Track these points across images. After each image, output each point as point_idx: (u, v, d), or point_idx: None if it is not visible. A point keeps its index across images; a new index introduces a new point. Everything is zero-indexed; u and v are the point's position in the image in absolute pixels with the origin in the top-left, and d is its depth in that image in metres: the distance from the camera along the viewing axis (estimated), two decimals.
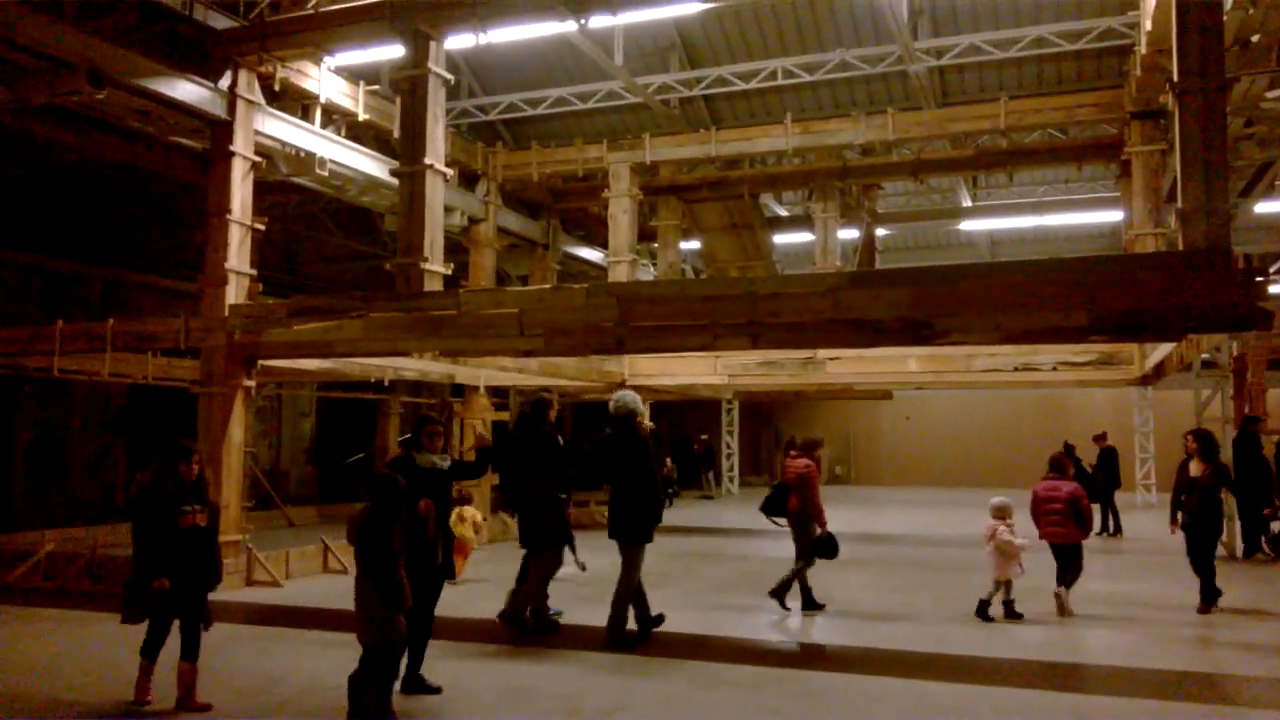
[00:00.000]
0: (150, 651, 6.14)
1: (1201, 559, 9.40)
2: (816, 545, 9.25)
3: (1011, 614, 8.96)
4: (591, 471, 8.94)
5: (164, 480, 6.16)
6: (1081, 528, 9.19)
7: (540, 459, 8.50)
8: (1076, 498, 9.14)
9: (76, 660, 7.45)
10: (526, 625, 8.36)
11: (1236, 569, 12.46)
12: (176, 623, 6.17)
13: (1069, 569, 9.26)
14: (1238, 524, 13.34)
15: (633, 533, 8.06)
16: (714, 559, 13.43)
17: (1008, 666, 7.33)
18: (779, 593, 9.33)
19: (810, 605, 9.35)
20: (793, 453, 9.66)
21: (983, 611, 8.97)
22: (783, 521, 9.49)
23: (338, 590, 10.62)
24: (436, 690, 6.38)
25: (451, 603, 7.94)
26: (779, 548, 11.49)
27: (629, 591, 8.05)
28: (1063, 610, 9.12)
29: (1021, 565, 9.11)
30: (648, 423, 8.97)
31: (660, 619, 8.30)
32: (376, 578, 5.68)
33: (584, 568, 8.93)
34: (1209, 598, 9.33)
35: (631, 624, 8.10)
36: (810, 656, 7.87)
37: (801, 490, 9.28)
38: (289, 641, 8.16)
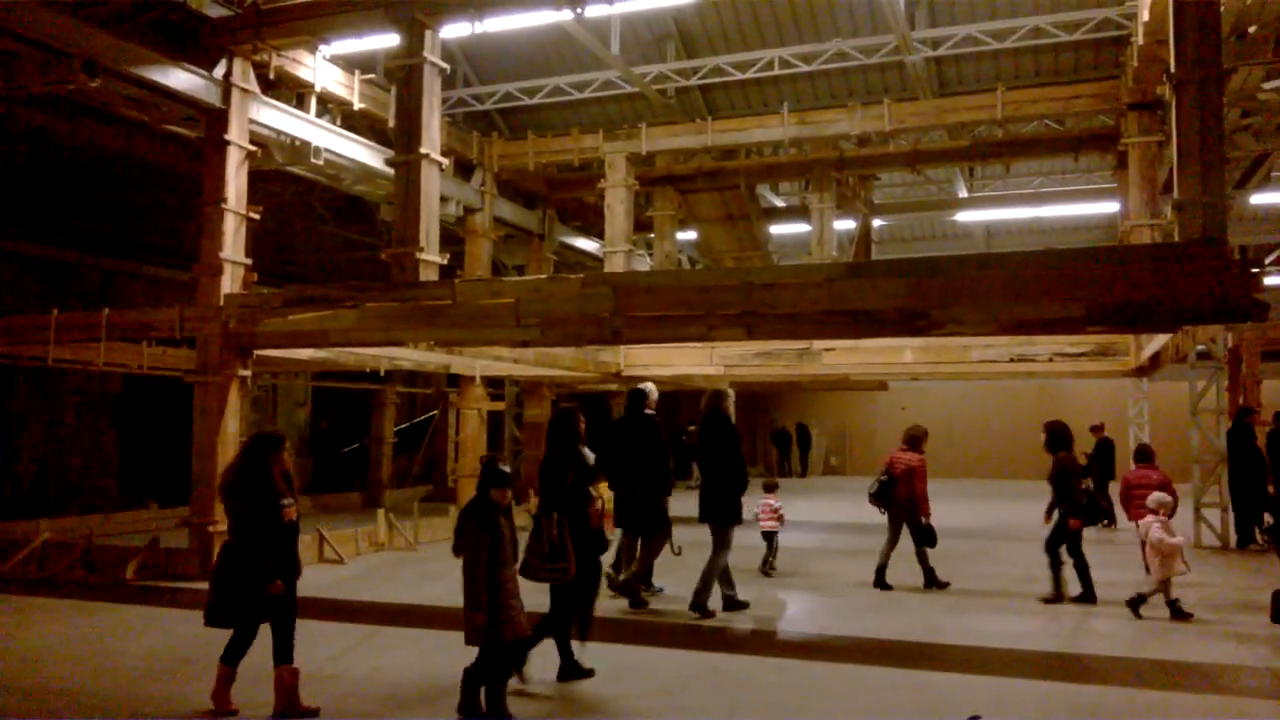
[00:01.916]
0: (235, 658, 5.75)
1: (1052, 549, 9.52)
2: (919, 533, 10.03)
3: (1178, 614, 8.55)
4: (683, 459, 9.23)
5: (268, 473, 5.80)
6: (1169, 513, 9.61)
7: (643, 445, 8.96)
8: (1165, 484, 9.62)
9: (69, 650, 7.44)
10: (644, 601, 9.05)
11: (1231, 559, 12.51)
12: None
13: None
14: (1231, 515, 13.39)
15: (725, 514, 8.76)
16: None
17: (1005, 656, 7.35)
18: (879, 579, 10.09)
19: (932, 583, 10.06)
20: (902, 446, 10.35)
21: (1136, 606, 8.70)
22: (886, 510, 10.24)
23: (333, 580, 10.66)
24: (590, 673, 6.48)
25: None
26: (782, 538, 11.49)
27: (717, 568, 8.75)
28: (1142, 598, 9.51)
29: (1186, 563, 8.69)
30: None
31: (745, 604, 8.95)
32: (465, 578, 5.57)
33: (679, 551, 9.13)
34: (1087, 592, 9.41)
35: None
36: (807, 647, 7.88)
37: (910, 482, 10.04)
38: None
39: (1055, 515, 9.57)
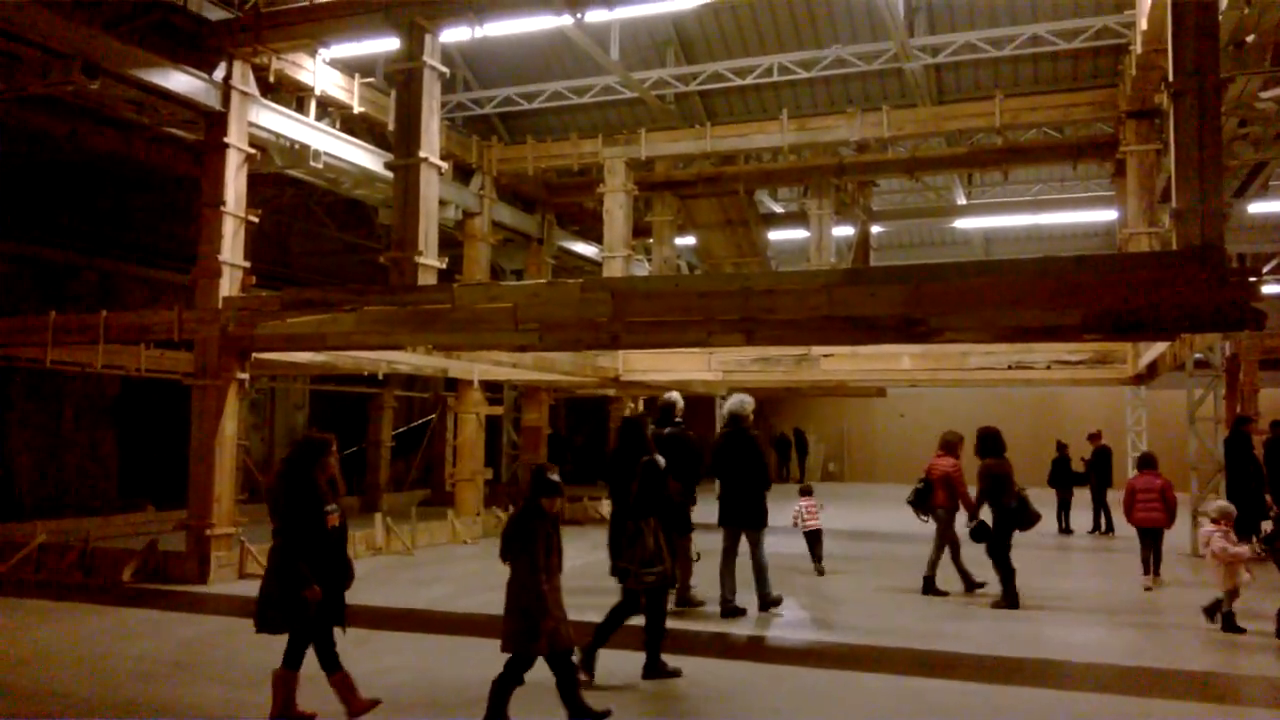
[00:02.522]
0: (296, 662, 5.63)
1: (994, 553, 9.70)
2: (971, 533, 9.95)
3: (1231, 627, 8.40)
4: (713, 468, 9.38)
5: (312, 479, 5.69)
6: (1170, 515, 10.86)
7: (675, 456, 8.82)
8: (1166, 489, 10.80)
9: (66, 653, 7.42)
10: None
11: None
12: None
13: (1154, 550, 10.95)
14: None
15: (754, 519, 9.07)
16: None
17: (1001, 664, 7.34)
18: (928, 587, 10.18)
19: (971, 587, 10.17)
20: (939, 452, 10.47)
21: (1211, 613, 8.61)
22: (926, 516, 10.36)
23: None
24: (676, 673, 6.65)
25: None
26: (784, 543, 11.45)
27: (765, 564, 9.10)
28: (1148, 589, 10.72)
29: (1250, 571, 8.54)
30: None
31: (779, 599, 9.25)
32: (513, 586, 5.50)
33: (698, 557, 9.22)
34: (1008, 595, 9.59)
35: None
36: (803, 654, 7.87)
37: (948, 487, 10.17)
38: (282, 635, 8.12)
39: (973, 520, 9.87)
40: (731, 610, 8.95)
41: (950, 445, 10.49)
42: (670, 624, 7.96)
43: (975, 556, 10.19)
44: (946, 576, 10.20)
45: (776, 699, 6.32)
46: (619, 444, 7.44)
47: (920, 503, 10.35)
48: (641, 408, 21.63)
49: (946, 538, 10.28)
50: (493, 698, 5.41)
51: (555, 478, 5.68)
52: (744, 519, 9.09)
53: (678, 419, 9.33)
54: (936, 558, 10.30)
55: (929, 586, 10.19)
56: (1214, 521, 8.71)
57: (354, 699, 5.66)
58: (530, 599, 5.38)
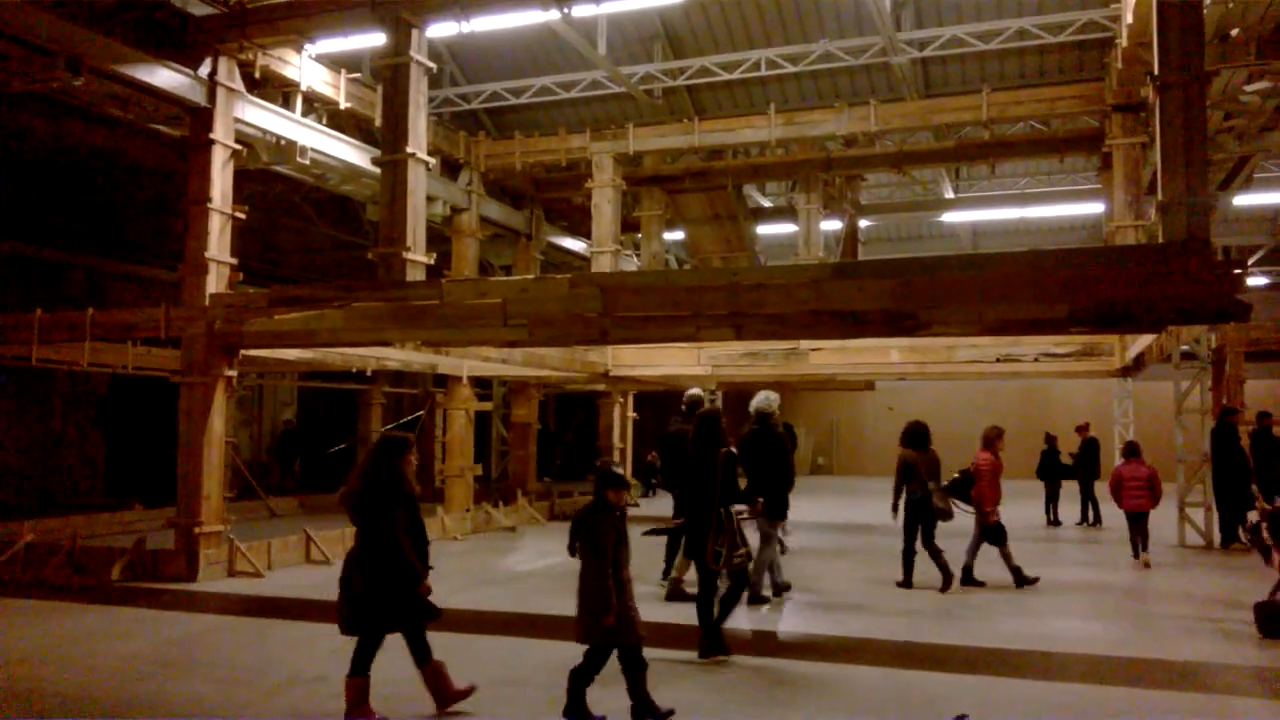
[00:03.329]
0: (366, 666, 5.63)
1: (928, 543, 10.15)
2: (984, 531, 10.33)
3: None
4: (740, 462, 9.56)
5: (404, 476, 5.76)
6: (1155, 499, 11.82)
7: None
8: (1153, 475, 11.80)
9: (55, 652, 7.39)
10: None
11: (1215, 559, 12.60)
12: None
13: (1142, 533, 11.83)
14: (1215, 514, 13.48)
15: (776, 512, 9.33)
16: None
17: (989, 656, 7.38)
18: (966, 576, 10.23)
19: (1022, 582, 10.20)
20: (981, 446, 10.64)
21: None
22: (968, 507, 10.46)
23: (320, 581, 10.60)
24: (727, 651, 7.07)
25: None
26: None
27: (767, 560, 9.37)
28: (1148, 565, 11.55)
29: None
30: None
31: (788, 586, 9.71)
32: (585, 580, 5.58)
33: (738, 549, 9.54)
34: (946, 580, 10.01)
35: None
36: (790, 646, 7.90)
37: (978, 481, 10.34)
38: (271, 632, 8.14)
39: (902, 509, 10.21)
40: (759, 598, 9.24)
41: (987, 440, 10.65)
42: (668, 617, 8.02)
43: (965, 555, 10.22)
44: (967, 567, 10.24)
45: (772, 690, 6.33)
46: (697, 437, 7.59)
47: (957, 493, 10.46)
48: (633, 401, 21.68)
49: (981, 533, 10.40)
50: (571, 689, 5.51)
51: (620, 471, 5.82)
52: (766, 510, 9.19)
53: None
54: (975, 547, 10.39)
55: (967, 576, 10.22)
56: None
57: (448, 688, 5.72)
58: (596, 592, 5.46)
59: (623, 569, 5.59)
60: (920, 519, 10.11)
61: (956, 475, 10.56)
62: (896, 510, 10.19)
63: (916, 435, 10.38)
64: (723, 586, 7.32)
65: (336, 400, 21.99)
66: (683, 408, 10.27)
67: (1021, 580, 10.20)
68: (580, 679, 5.48)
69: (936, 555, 10.01)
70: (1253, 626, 8.13)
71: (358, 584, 5.65)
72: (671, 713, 5.57)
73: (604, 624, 5.41)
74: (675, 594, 9.35)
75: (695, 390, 10.36)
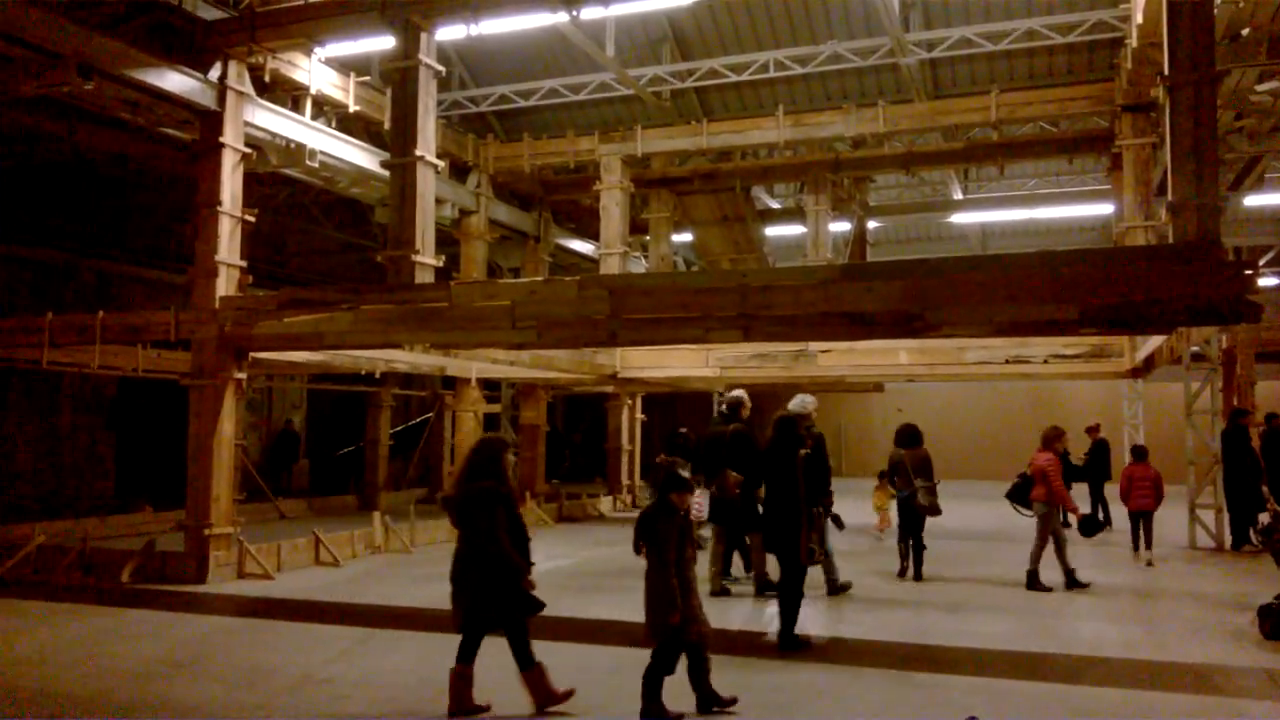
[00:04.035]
0: (471, 655, 5.81)
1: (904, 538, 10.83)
2: (1081, 523, 10.63)
3: None
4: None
5: (503, 477, 5.93)
6: (1158, 500, 12.29)
7: (739, 451, 9.51)
8: (1157, 477, 12.40)
9: (65, 653, 7.42)
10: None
11: (1226, 561, 12.54)
12: None
13: (1147, 530, 12.32)
14: (1226, 516, 13.41)
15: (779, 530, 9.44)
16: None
17: (999, 657, 7.36)
18: (1032, 581, 10.17)
19: (1073, 584, 10.13)
20: (1040, 447, 10.61)
21: None
22: (1028, 510, 10.47)
23: (329, 582, 10.66)
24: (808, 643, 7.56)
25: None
26: None
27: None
28: (1150, 564, 11.84)
29: None
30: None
31: (848, 586, 9.82)
32: (652, 580, 5.72)
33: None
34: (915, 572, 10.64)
35: None
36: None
37: (1044, 482, 10.23)
38: (281, 634, 8.15)
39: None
40: (838, 587, 9.69)
41: (1048, 440, 10.62)
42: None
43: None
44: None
45: (777, 694, 6.32)
46: (775, 439, 7.85)
47: (1018, 497, 10.52)
48: (639, 402, 21.68)
49: (1047, 532, 10.29)
50: (645, 688, 5.60)
51: (685, 474, 5.91)
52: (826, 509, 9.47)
53: (744, 416, 9.91)
54: (1038, 552, 10.29)
55: (1033, 581, 10.13)
56: None
57: (549, 690, 5.79)
58: (661, 593, 5.60)
59: (687, 569, 5.73)
60: (904, 514, 10.61)
61: (1016, 479, 10.62)
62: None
63: (906, 435, 10.85)
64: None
65: (345, 403, 22.01)
66: (723, 409, 10.42)
67: (1073, 583, 10.13)
68: (653, 679, 5.59)
69: (918, 550, 10.56)
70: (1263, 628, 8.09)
71: (468, 581, 5.82)
72: (734, 700, 5.77)
73: (670, 623, 5.53)
74: (721, 591, 9.72)
75: (737, 392, 10.41)
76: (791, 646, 7.45)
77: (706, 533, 10.50)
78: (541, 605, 5.89)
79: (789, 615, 7.51)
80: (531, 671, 5.79)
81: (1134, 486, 12.42)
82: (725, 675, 6.05)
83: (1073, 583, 10.16)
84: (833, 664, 7.19)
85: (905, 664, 7.16)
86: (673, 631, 5.57)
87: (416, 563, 12.22)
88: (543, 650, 6.87)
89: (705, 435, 10.62)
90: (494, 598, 5.73)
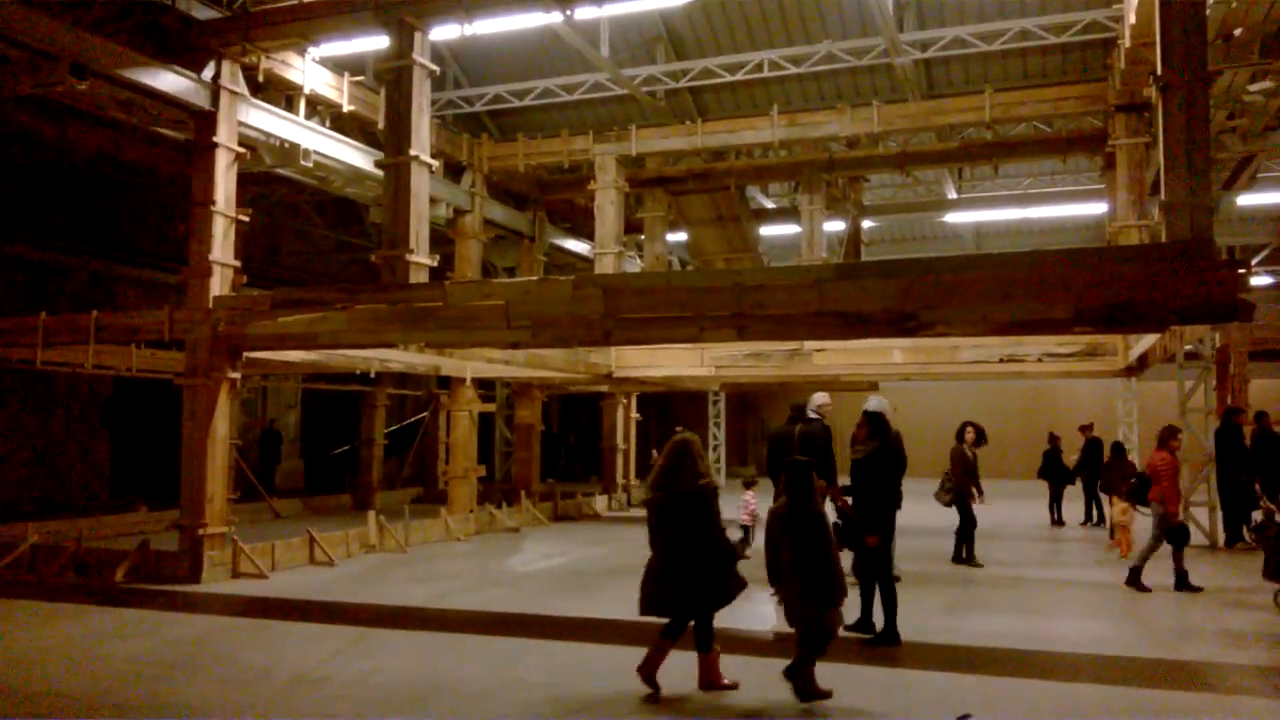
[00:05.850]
0: (710, 642, 6.21)
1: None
2: (1168, 532, 10.10)
3: None
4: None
5: (705, 471, 6.31)
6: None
7: (809, 453, 9.15)
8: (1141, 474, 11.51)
9: (59, 653, 7.41)
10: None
11: (1220, 558, 12.57)
12: None
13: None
14: (1220, 514, 13.46)
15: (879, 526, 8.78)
16: None
17: (993, 655, 7.37)
18: (1134, 579, 10.09)
19: (1183, 586, 9.99)
20: (1156, 446, 10.57)
21: None
22: (1146, 510, 10.43)
23: (324, 582, 10.65)
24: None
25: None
26: None
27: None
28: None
29: None
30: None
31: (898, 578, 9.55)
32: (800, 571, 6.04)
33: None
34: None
35: None
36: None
37: (1157, 481, 10.15)
38: (275, 633, 8.14)
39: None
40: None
41: (1163, 439, 10.52)
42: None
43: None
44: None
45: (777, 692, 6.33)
46: (883, 441, 8.18)
47: (1136, 496, 10.57)
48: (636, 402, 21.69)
49: (1162, 531, 10.14)
50: (798, 677, 5.94)
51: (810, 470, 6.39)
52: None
53: (811, 415, 9.73)
54: (1149, 552, 10.18)
55: (1134, 579, 10.05)
56: None
57: (717, 675, 6.18)
58: (836, 582, 6.06)
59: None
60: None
61: (1133, 480, 10.64)
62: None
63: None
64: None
65: (340, 402, 22.00)
66: (792, 411, 10.24)
67: (1183, 585, 9.98)
68: (804, 663, 5.94)
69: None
70: (1260, 624, 8.12)
71: (680, 573, 6.10)
72: (829, 694, 5.98)
73: (837, 613, 6.09)
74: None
75: (822, 397, 10.07)
76: (886, 641, 7.66)
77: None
78: (745, 584, 6.25)
79: (890, 613, 7.73)
80: (709, 654, 6.18)
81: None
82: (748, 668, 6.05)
83: (1181, 584, 10.00)
84: (828, 661, 7.18)
85: (897, 660, 7.18)
86: (817, 614, 5.97)
87: (411, 562, 12.22)
88: (543, 649, 6.92)
89: (772, 435, 10.53)
90: (711, 584, 6.09)
